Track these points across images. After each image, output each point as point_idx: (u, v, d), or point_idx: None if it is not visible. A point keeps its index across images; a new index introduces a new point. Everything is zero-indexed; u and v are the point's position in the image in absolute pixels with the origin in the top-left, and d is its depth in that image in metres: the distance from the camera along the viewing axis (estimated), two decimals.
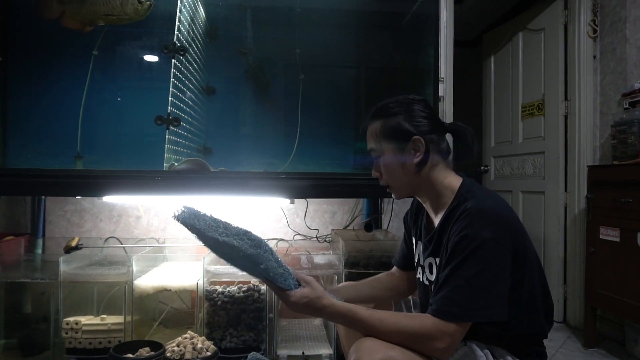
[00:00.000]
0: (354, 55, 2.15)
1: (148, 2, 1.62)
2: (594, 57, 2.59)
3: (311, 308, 1.00)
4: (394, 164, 1.12)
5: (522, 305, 1.03)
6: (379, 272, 1.41)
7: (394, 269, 1.39)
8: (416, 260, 1.25)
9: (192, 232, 1.08)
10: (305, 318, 2.20)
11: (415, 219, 1.28)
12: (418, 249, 1.24)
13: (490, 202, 1.02)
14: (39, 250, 2.14)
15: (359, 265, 1.94)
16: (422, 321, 0.95)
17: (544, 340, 1.11)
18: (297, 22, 2.03)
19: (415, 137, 1.09)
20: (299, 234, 2.35)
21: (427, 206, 1.18)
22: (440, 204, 1.12)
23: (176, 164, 1.79)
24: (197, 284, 1.84)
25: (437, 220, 1.12)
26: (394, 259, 1.41)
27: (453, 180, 1.11)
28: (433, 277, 1.12)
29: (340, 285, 1.42)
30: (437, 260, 1.10)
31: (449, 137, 1.17)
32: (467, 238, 0.96)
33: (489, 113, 3.43)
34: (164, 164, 1.77)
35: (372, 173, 1.17)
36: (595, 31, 2.57)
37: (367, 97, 2.14)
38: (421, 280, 1.21)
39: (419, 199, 1.20)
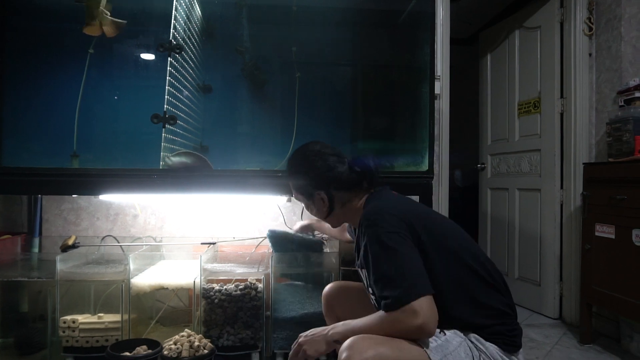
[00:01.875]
0: (351, 53, 2.15)
1: None
2: (590, 54, 2.60)
3: (316, 333, 1.15)
4: (311, 211, 1.37)
5: (456, 285, 1.12)
6: None
7: None
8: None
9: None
10: None
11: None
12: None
13: (376, 203, 1.22)
14: (36, 249, 2.14)
15: (355, 263, 1.95)
16: (383, 314, 1.04)
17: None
18: (293, 20, 2.03)
19: (316, 192, 1.30)
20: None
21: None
22: (357, 224, 1.24)
23: (170, 155, 1.79)
24: (194, 282, 1.84)
25: None
26: None
27: (362, 203, 1.29)
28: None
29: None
30: (364, 271, 1.22)
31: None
32: (366, 246, 1.11)
33: (485, 111, 3.44)
34: (161, 163, 1.77)
35: None
36: (590, 29, 2.58)
37: (363, 95, 2.14)
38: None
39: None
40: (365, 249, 1.11)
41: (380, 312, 1.05)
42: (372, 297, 1.20)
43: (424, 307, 0.99)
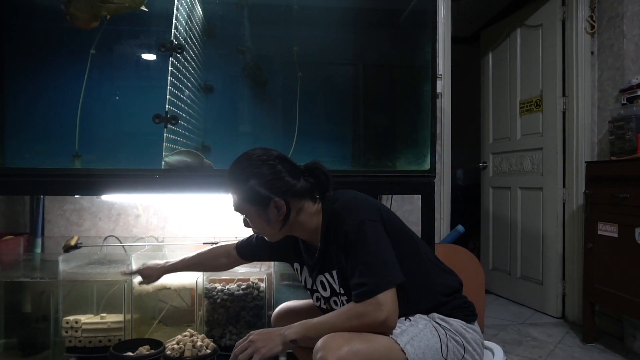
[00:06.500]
0: (352, 53, 2.14)
1: None
2: (592, 53, 2.59)
3: (271, 331, 1.11)
4: (259, 223, 1.19)
5: (417, 268, 1.18)
6: None
7: (234, 251, 1.49)
8: (306, 285, 1.33)
9: None
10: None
11: (294, 245, 1.33)
12: (304, 274, 1.32)
13: (347, 195, 1.18)
14: (38, 250, 2.14)
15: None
16: (352, 305, 1.06)
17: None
18: (294, 20, 2.03)
19: (274, 200, 1.15)
20: None
21: (304, 236, 1.26)
22: (315, 231, 1.21)
23: (169, 154, 1.79)
24: (197, 282, 1.84)
25: (317, 242, 1.21)
26: (239, 245, 1.49)
27: (318, 205, 1.22)
28: (327, 294, 1.23)
29: (179, 259, 1.55)
30: (327, 275, 1.20)
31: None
32: (347, 232, 1.09)
33: (487, 109, 3.44)
34: (162, 162, 1.77)
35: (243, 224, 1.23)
36: (592, 27, 2.57)
37: (365, 95, 2.13)
38: (320, 305, 1.29)
39: (295, 235, 1.27)
40: (346, 238, 1.10)
41: (348, 305, 1.07)
42: (342, 298, 1.20)
43: (389, 300, 1.03)
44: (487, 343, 1.31)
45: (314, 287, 1.28)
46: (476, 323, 1.22)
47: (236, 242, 1.50)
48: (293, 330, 1.08)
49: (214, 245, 1.57)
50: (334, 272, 1.18)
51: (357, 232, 1.08)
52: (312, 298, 1.32)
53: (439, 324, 1.14)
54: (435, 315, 1.17)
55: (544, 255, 2.84)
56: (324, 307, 1.27)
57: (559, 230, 2.74)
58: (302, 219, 1.20)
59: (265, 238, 1.26)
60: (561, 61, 2.72)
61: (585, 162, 2.43)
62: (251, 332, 1.11)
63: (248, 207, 1.18)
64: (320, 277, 1.23)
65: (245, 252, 1.48)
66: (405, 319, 1.14)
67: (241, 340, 1.10)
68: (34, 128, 1.86)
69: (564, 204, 2.73)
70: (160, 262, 1.57)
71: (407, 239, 1.20)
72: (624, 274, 2.03)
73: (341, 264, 1.14)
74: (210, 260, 1.54)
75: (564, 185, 2.73)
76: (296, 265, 1.35)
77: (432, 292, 1.18)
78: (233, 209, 1.21)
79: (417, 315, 1.16)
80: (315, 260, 1.22)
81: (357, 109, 2.12)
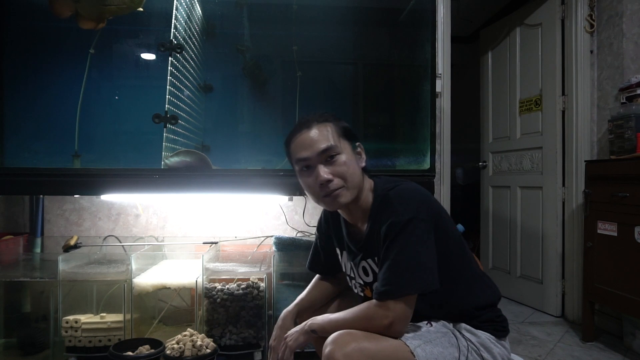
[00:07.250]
0: (352, 52, 2.15)
1: None
2: (591, 52, 2.59)
3: (299, 326, 1.18)
4: (350, 159, 1.16)
5: (457, 276, 1.15)
6: None
7: (320, 277, 1.41)
8: (346, 272, 1.32)
9: None
10: None
11: (335, 230, 1.33)
12: (343, 259, 1.31)
13: (405, 186, 1.14)
14: (38, 250, 2.14)
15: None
16: (366, 306, 1.08)
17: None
18: (294, 19, 2.03)
19: (358, 143, 1.21)
20: (298, 231, 2.35)
21: (353, 215, 1.23)
22: (365, 208, 1.19)
23: (170, 154, 1.79)
24: (197, 281, 1.84)
25: (364, 225, 1.20)
26: (316, 271, 1.42)
27: (370, 183, 1.21)
28: (369, 279, 1.21)
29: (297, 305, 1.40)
30: (370, 261, 1.18)
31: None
32: (392, 224, 1.06)
33: (486, 109, 3.43)
34: (162, 162, 1.77)
35: (321, 177, 1.11)
36: (592, 26, 2.57)
37: (364, 94, 2.14)
38: (357, 292, 1.29)
39: (346, 209, 1.22)
40: (390, 228, 1.06)
41: (362, 305, 1.08)
42: (361, 292, 1.22)
43: (399, 308, 1.03)
44: (512, 356, 1.25)
45: (353, 274, 1.27)
46: (507, 339, 1.19)
47: (317, 275, 1.43)
48: (314, 322, 1.14)
49: (311, 286, 1.42)
50: (376, 259, 1.16)
51: (402, 227, 1.05)
52: (350, 284, 1.32)
53: (463, 335, 1.12)
54: (463, 325, 1.15)
55: (544, 254, 2.84)
56: (362, 294, 1.26)
57: (558, 229, 2.74)
58: (364, 183, 1.19)
59: (338, 197, 1.13)
60: (560, 60, 2.72)
61: (585, 161, 2.43)
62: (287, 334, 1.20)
63: (344, 143, 1.17)
64: (363, 263, 1.21)
65: (322, 270, 1.41)
66: (427, 323, 1.13)
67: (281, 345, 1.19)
68: (34, 128, 1.86)
69: (563, 203, 2.73)
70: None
71: (456, 244, 1.17)
72: (623, 273, 2.03)
73: (381, 252, 1.13)
74: (321, 298, 1.40)
75: (563, 184, 2.73)
76: (337, 250, 1.35)
77: (466, 302, 1.16)
78: (323, 147, 1.13)
79: (441, 322, 1.15)
80: (361, 245, 1.20)
81: (357, 108, 2.12)
